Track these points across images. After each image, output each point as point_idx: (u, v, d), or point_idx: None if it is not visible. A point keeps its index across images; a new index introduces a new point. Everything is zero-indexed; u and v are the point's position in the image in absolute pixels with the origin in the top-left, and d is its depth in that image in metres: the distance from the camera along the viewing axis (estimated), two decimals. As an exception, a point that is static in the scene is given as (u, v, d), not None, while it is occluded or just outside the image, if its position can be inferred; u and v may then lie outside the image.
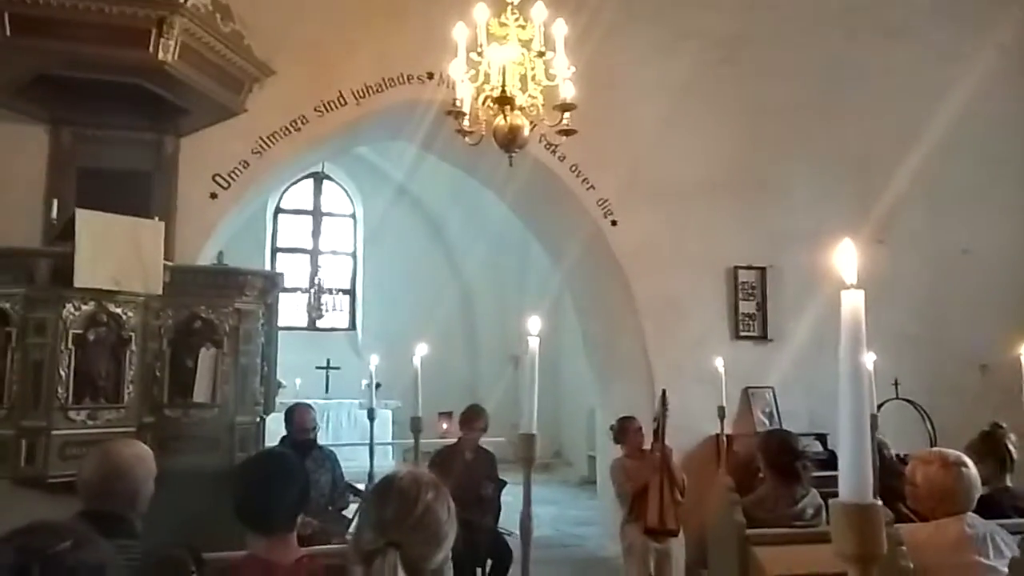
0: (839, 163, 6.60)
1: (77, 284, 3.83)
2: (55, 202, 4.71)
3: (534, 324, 1.96)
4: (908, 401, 6.04)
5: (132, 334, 4.06)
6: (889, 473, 3.56)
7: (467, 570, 4.63)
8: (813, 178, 6.56)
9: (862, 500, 0.89)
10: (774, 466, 3.63)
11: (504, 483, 5.15)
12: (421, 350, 2.84)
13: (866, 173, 6.59)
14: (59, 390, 3.84)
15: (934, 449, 2.87)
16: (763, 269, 6.38)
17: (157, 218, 4.51)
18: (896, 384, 5.95)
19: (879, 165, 6.58)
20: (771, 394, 6.24)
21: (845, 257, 1.02)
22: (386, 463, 9.61)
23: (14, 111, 4.82)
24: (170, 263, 4.28)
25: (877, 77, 6.72)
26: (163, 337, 4.18)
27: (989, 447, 3.48)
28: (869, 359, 3.65)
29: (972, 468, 2.62)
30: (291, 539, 2.02)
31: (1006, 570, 2.38)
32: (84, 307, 3.94)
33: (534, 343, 1.91)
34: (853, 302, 0.94)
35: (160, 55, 4.14)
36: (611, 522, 5.77)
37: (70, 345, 3.89)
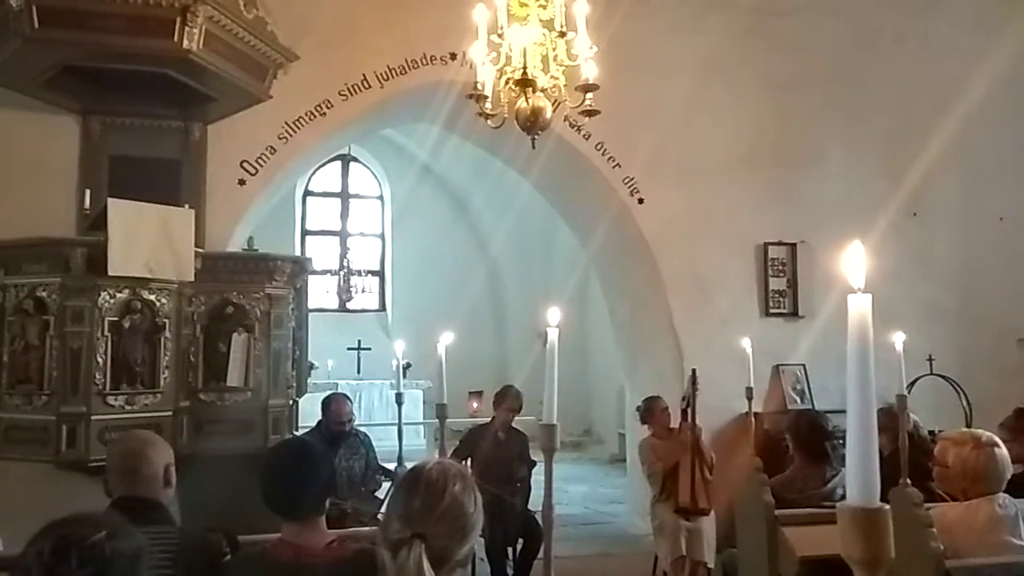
0: (871, 134, 6.47)
1: (111, 272, 3.92)
2: (87, 191, 4.78)
3: (553, 315, 1.90)
4: (943, 377, 5.95)
5: (166, 320, 4.16)
6: (920, 452, 3.52)
7: (499, 550, 4.68)
8: (844, 150, 6.44)
9: (869, 504, 0.88)
10: (803, 447, 3.61)
11: (535, 463, 5.17)
12: (446, 339, 2.82)
13: (898, 143, 6.45)
14: (97, 376, 3.96)
15: (965, 430, 2.83)
16: (794, 245, 6.30)
17: (187, 205, 4.59)
18: (930, 360, 5.86)
19: (911, 135, 6.43)
20: (802, 371, 6.18)
21: (853, 260, 0.97)
22: (417, 442, 9.72)
23: (44, 101, 4.89)
24: (201, 250, 4.35)
25: (909, 46, 6.56)
26: (196, 323, 4.28)
27: (1022, 425, 3.44)
28: (899, 339, 3.61)
29: (1003, 448, 2.60)
30: (320, 523, 2.06)
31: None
32: (119, 295, 4.04)
33: (553, 334, 1.85)
34: (860, 307, 0.91)
35: (185, 44, 4.16)
36: (641, 499, 5.79)
37: (106, 332, 4.00)
